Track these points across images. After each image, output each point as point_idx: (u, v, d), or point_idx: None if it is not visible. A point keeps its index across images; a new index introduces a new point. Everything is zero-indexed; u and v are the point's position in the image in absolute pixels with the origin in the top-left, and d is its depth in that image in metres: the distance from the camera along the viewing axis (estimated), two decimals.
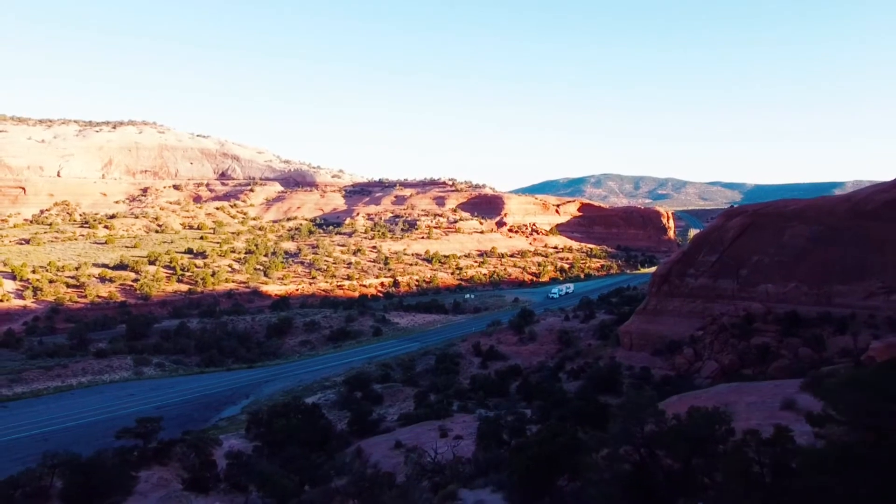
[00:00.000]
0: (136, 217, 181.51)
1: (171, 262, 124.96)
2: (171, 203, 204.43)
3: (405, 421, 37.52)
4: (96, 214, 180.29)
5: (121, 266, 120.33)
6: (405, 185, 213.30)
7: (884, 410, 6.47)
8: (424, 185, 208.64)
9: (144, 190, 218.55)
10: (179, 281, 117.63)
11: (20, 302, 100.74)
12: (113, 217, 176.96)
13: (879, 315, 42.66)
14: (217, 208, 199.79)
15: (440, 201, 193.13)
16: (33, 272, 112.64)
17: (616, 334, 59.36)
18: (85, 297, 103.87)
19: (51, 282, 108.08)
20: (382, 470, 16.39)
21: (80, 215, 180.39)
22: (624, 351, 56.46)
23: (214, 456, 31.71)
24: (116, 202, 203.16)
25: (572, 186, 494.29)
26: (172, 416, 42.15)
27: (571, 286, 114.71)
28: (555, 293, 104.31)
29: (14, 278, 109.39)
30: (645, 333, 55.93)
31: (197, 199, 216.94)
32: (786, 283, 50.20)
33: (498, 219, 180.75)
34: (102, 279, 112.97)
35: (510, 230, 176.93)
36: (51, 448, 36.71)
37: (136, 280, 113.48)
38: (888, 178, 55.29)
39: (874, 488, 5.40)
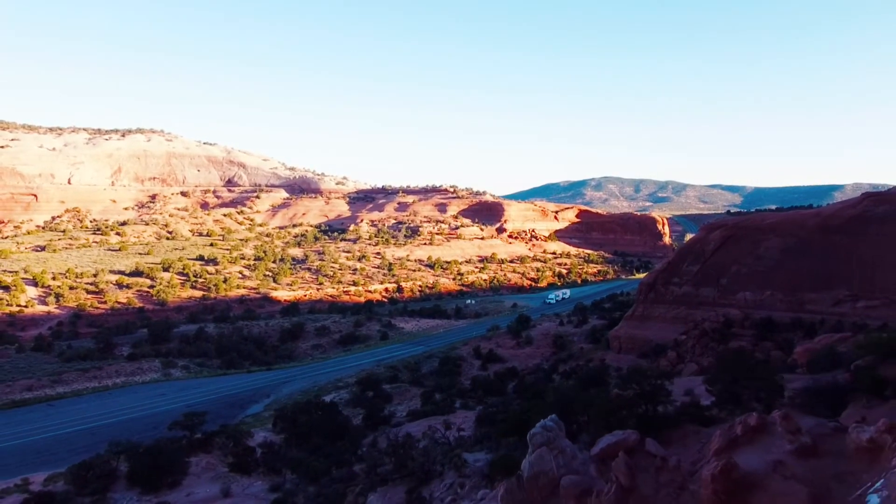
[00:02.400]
0: (147, 224, 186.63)
1: (184, 268, 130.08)
2: (179, 210, 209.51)
3: (413, 416, 42.48)
4: (107, 221, 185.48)
5: (136, 273, 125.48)
6: (408, 191, 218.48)
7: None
8: (426, 192, 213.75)
9: (153, 197, 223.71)
10: (193, 287, 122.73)
11: (44, 308, 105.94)
12: (124, 224, 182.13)
13: (846, 321, 47.28)
14: (224, 215, 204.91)
15: (442, 208, 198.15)
16: (53, 279, 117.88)
17: (606, 338, 64.30)
18: (105, 302, 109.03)
19: (71, 288, 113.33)
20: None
21: (91, 222, 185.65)
22: (613, 354, 61.33)
23: (249, 445, 37.16)
24: (126, 209, 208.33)
25: (573, 190, 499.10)
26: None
27: (568, 292, 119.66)
28: (551, 299, 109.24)
29: (36, 285, 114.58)
30: (632, 338, 60.84)
31: (204, 205, 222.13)
32: (762, 291, 54.83)
33: (498, 225, 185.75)
34: (120, 286, 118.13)
35: (510, 236, 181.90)
36: (98, 441, 42.41)
37: (151, 286, 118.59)
38: (888, 181, 60.20)
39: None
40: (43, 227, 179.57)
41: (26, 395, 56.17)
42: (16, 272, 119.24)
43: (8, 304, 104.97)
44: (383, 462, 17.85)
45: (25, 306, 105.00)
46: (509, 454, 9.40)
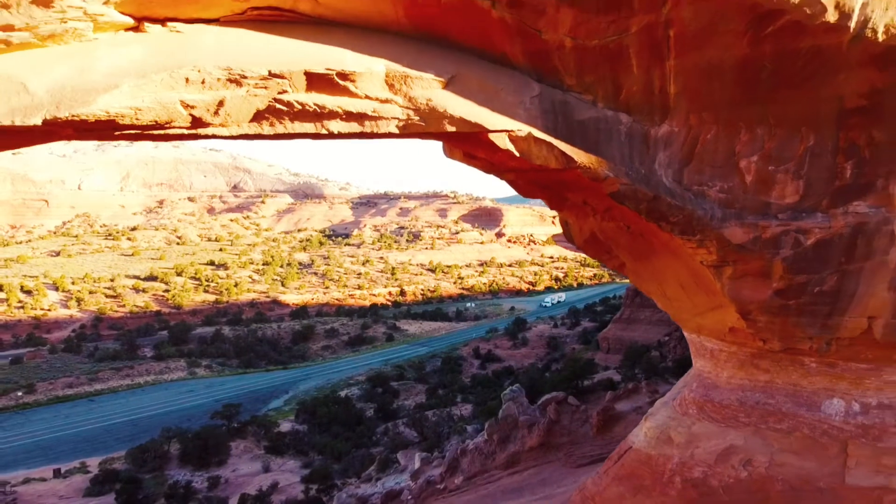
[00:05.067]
0: (156, 229, 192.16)
1: (196, 273, 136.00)
2: (186, 215, 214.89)
3: (420, 408, 48.29)
4: (116, 226, 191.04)
5: (151, 278, 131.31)
6: (409, 197, 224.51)
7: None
8: (427, 198, 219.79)
9: (161, 202, 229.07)
10: (206, 291, 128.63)
11: (66, 311, 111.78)
12: (134, 229, 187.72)
13: None
14: (231, 220, 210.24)
15: (442, 213, 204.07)
16: (73, 283, 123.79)
17: (597, 340, 70.20)
18: (123, 306, 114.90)
19: (90, 293, 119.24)
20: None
21: (102, 227, 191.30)
22: (602, 354, 67.14)
23: (281, 431, 43.47)
24: (134, 214, 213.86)
25: None
26: None
27: (563, 295, 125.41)
28: (547, 302, 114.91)
29: (56, 289, 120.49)
30: (620, 339, 66.63)
31: (211, 210, 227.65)
32: None
33: (497, 230, 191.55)
34: (136, 290, 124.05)
35: (509, 241, 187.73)
36: (140, 431, 48.88)
37: (166, 291, 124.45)
38: None
39: None
40: (54, 232, 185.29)
41: (68, 392, 61.96)
42: (36, 277, 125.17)
43: (32, 308, 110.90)
44: (404, 435, 23.68)
45: (48, 310, 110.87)
46: (492, 406, 15.05)
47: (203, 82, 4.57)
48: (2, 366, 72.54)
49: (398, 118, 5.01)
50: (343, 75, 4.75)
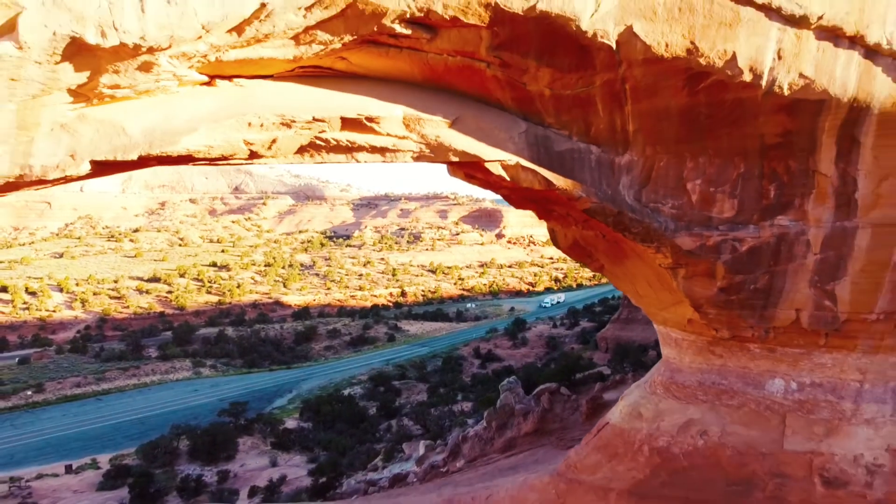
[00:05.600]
0: (158, 231, 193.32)
1: (198, 275, 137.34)
2: (188, 216, 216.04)
3: (422, 406, 49.57)
4: (118, 228, 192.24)
5: (154, 279, 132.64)
6: (410, 198, 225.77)
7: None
8: (428, 199, 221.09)
9: (162, 204, 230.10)
10: (208, 293, 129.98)
11: (71, 313, 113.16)
12: (136, 231, 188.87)
13: None
14: (233, 221, 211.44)
15: (443, 214, 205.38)
16: (77, 285, 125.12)
17: (595, 340, 71.54)
18: (127, 307, 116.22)
19: (94, 294, 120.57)
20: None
21: (104, 229, 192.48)
22: (600, 353, 68.51)
23: (286, 428, 44.80)
24: (136, 216, 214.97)
25: None
26: None
27: (563, 296, 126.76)
28: (547, 303, 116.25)
29: (60, 290, 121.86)
30: (617, 339, 67.98)
31: (212, 212, 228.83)
32: None
33: (497, 231, 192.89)
34: (140, 291, 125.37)
35: (509, 242, 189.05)
36: (148, 429, 50.18)
37: (169, 292, 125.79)
38: None
39: None
40: (57, 234, 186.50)
41: (76, 391, 63.26)
42: (40, 278, 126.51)
43: (37, 309, 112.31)
44: (408, 428, 25.02)
45: (53, 311, 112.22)
46: (491, 398, 16.41)
47: (261, 125, 5.90)
48: (10, 366, 73.93)
49: (413, 151, 6.36)
50: (370, 118, 6.10)
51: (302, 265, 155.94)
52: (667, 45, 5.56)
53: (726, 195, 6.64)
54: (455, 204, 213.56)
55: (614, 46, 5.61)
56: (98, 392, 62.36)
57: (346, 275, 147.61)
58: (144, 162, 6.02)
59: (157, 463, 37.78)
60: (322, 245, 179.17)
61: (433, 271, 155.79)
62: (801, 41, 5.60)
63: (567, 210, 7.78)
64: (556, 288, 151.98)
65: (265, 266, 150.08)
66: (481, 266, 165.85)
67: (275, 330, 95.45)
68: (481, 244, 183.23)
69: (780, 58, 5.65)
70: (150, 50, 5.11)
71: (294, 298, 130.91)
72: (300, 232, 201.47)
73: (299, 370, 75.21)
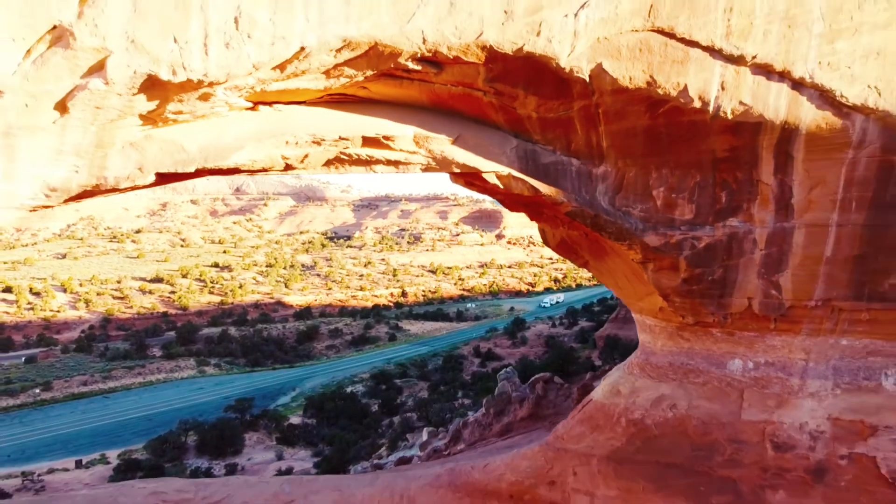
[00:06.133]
0: (160, 232, 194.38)
1: (200, 275, 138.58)
2: (189, 217, 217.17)
3: (423, 403, 50.77)
4: (120, 229, 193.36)
5: (157, 279, 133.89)
6: (410, 199, 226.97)
7: None
8: (428, 200, 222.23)
9: (164, 205, 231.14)
10: (210, 293, 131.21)
11: (75, 313, 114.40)
12: (138, 232, 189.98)
13: None
14: (234, 222, 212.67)
15: (443, 215, 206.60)
16: (80, 285, 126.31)
17: (593, 339, 72.77)
18: (131, 307, 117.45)
19: (98, 294, 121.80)
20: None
21: (106, 229, 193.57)
22: (598, 352, 69.85)
23: (291, 423, 45.97)
24: (138, 217, 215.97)
25: None
26: None
27: (562, 296, 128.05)
28: (546, 303, 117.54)
29: (64, 291, 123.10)
30: (616, 337, 69.29)
31: (213, 213, 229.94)
32: None
33: (497, 232, 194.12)
34: (143, 292, 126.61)
35: (509, 242, 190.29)
36: (155, 425, 51.30)
37: (172, 292, 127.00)
38: None
39: None
40: (59, 235, 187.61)
41: (83, 389, 64.47)
42: (44, 279, 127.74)
43: (41, 310, 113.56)
44: (411, 421, 26.28)
45: (57, 311, 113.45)
46: (489, 387, 17.66)
47: (296, 143, 7.14)
48: (17, 365, 75.21)
49: (421, 163, 7.61)
50: (386, 137, 7.35)
51: (303, 266, 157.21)
52: (630, 79, 6.81)
53: (686, 200, 7.89)
54: (455, 205, 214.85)
55: (588, 80, 6.87)
56: (105, 390, 63.59)
57: (347, 275, 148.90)
58: (199, 173, 7.30)
59: (166, 457, 38.96)
60: (323, 246, 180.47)
61: (433, 272, 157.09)
62: (740, 75, 6.85)
63: (553, 213, 9.03)
64: (555, 288, 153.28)
65: (267, 267, 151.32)
66: (481, 266, 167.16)
67: (277, 329, 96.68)
68: (481, 245, 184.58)
69: (723, 89, 6.90)
70: (210, 84, 6.36)
71: (295, 299, 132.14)
72: (301, 233, 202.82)
73: (302, 369, 76.48)
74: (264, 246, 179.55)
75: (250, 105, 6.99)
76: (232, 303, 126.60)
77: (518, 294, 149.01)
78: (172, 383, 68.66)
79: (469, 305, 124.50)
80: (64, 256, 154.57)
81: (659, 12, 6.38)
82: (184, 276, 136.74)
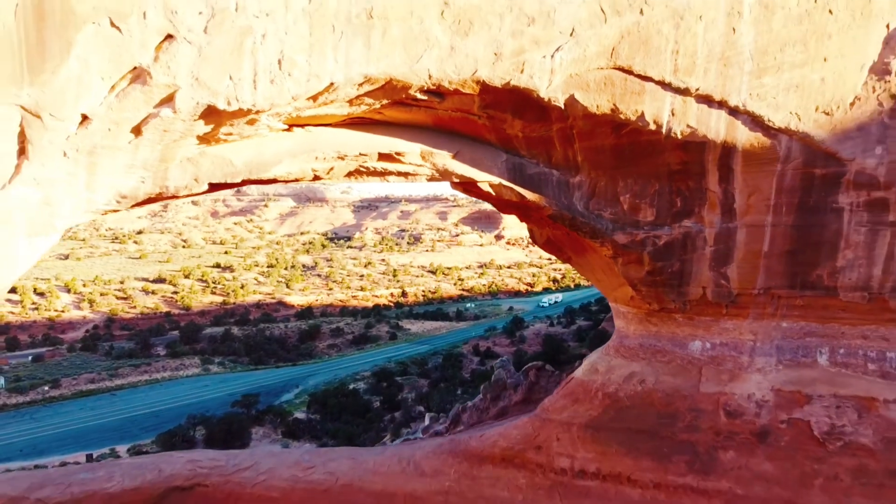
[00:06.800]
0: (162, 232, 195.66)
1: (203, 276, 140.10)
2: (191, 218, 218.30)
3: (424, 398, 52.24)
4: (121, 230, 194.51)
5: (159, 280, 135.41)
6: (410, 200, 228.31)
7: None
8: (428, 201, 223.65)
9: (165, 206, 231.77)
10: (213, 293, 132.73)
11: (79, 313, 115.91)
12: (140, 233, 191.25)
13: None
14: (235, 223, 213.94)
15: (443, 216, 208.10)
16: (84, 286, 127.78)
17: (590, 337, 74.28)
18: (134, 307, 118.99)
19: (102, 294, 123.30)
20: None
21: (107, 230, 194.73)
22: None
23: (297, 418, 47.50)
24: (139, 217, 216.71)
25: None
26: None
27: (560, 296, 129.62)
28: (545, 303, 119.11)
29: (68, 291, 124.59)
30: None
31: (214, 214, 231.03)
32: None
33: (496, 232, 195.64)
34: (146, 292, 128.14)
35: (508, 243, 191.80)
36: (162, 421, 52.74)
37: (175, 293, 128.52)
38: None
39: None
40: (61, 236, 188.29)
41: (90, 386, 65.94)
42: (48, 279, 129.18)
43: (46, 310, 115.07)
44: (413, 410, 27.83)
45: (62, 311, 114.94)
46: (487, 375, 19.15)
47: (324, 158, 8.69)
48: (25, 363, 76.71)
49: (427, 175, 9.17)
50: (398, 153, 8.91)
51: (304, 266, 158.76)
52: (598, 107, 8.37)
53: (647, 205, 9.45)
54: (455, 206, 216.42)
55: (563, 107, 8.43)
56: (112, 388, 65.06)
57: (348, 276, 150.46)
58: (244, 183, 8.85)
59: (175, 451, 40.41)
60: (323, 246, 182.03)
61: (433, 272, 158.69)
62: (687, 104, 8.40)
63: (539, 215, 10.59)
64: (554, 288, 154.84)
65: (268, 267, 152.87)
66: (480, 267, 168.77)
67: (279, 329, 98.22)
68: (481, 245, 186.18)
69: (673, 114, 8.46)
70: (256, 112, 7.90)
71: (297, 299, 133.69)
72: (301, 233, 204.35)
73: (305, 367, 78.02)
74: (265, 247, 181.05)
75: (286, 127, 8.53)
76: (234, 303, 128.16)
77: (517, 294, 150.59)
78: (178, 381, 70.05)
79: (468, 305, 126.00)
80: (67, 257, 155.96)
81: (619, 54, 7.95)
82: (186, 277, 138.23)
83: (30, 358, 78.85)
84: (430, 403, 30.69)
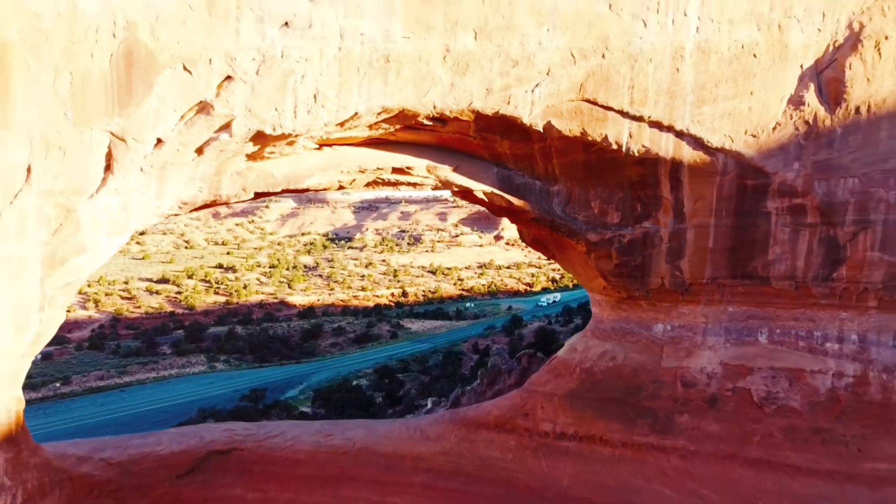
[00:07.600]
0: (164, 233, 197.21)
1: (206, 276, 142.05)
2: (192, 219, 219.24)
3: (424, 392, 54.12)
4: None
5: (163, 280, 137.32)
6: (410, 201, 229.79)
7: None
8: (428, 202, 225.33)
9: None
10: (216, 293, 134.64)
11: (85, 312, 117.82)
12: (142, 233, 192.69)
13: None
14: (236, 224, 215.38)
15: (443, 217, 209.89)
16: (89, 286, 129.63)
17: None
18: (139, 307, 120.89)
19: (106, 294, 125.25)
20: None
21: None
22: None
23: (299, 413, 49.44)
24: None
25: None
26: None
27: (559, 295, 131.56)
28: (543, 302, 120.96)
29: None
30: None
31: (216, 215, 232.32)
32: None
33: (496, 233, 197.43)
34: (150, 292, 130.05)
35: (507, 243, 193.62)
36: (172, 416, 54.63)
37: (178, 293, 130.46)
38: None
39: None
40: None
41: (100, 384, 67.83)
42: None
43: None
44: (416, 400, 29.77)
45: (68, 311, 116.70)
46: (485, 363, 21.19)
47: (348, 172, 10.71)
48: (35, 361, 78.32)
49: (431, 184, 11.19)
50: (408, 167, 10.94)
51: (305, 266, 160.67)
52: (570, 130, 10.40)
53: (614, 209, 11.48)
54: (454, 206, 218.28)
55: (542, 131, 10.46)
56: (120, 384, 66.97)
57: (349, 276, 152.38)
58: (283, 192, 10.85)
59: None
60: (324, 247, 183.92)
61: (433, 272, 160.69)
62: (641, 128, 10.42)
63: (525, 218, 12.62)
64: (552, 288, 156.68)
65: (270, 267, 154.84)
66: (480, 267, 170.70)
67: (282, 328, 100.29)
68: (480, 246, 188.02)
69: (631, 137, 10.48)
70: (295, 135, 9.88)
71: (299, 298, 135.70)
72: (302, 234, 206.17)
73: (308, 364, 79.95)
74: (267, 247, 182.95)
75: (317, 146, 10.52)
76: (237, 302, 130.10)
77: (516, 294, 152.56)
78: (184, 378, 71.89)
79: (468, 305, 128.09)
80: None
81: (586, 89, 9.96)
82: (189, 277, 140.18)
83: (39, 356, 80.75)
84: (432, 392, 32.69)
